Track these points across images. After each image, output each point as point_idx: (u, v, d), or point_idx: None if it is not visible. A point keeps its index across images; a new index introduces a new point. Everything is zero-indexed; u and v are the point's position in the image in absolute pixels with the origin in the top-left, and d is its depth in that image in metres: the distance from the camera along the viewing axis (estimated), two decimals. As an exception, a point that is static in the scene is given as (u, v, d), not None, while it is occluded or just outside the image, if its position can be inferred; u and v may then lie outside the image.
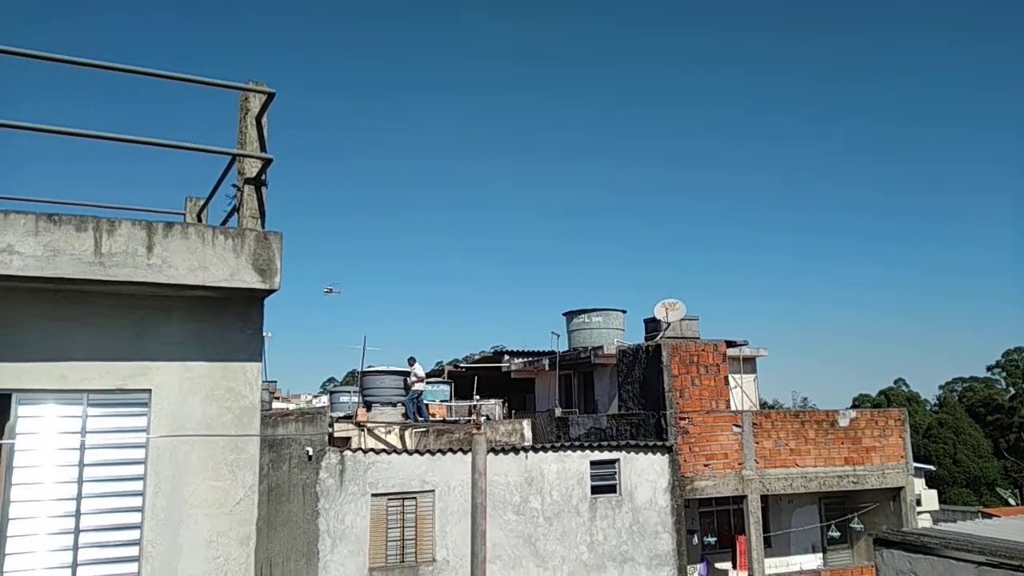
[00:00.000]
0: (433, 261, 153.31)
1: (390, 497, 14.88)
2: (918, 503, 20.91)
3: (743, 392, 22.22)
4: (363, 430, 19.95)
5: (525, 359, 26.55)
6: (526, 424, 22.15)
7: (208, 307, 5.14)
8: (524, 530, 15.65)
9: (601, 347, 21.50)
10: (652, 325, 21.41)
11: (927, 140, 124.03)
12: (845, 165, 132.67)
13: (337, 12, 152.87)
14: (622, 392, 19.40)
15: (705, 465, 17.53)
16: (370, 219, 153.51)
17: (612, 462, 16.73)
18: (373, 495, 14.69)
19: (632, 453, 16.86)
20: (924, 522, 20.71)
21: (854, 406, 57.22)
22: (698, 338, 20.26)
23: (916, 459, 22.28)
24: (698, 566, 18.53)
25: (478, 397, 24.73)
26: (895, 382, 70.50)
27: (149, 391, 4.94)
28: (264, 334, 5.47)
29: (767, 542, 19.04)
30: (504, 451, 15.91)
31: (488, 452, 14.46)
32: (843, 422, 19.19)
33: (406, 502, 15.01)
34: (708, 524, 19.46)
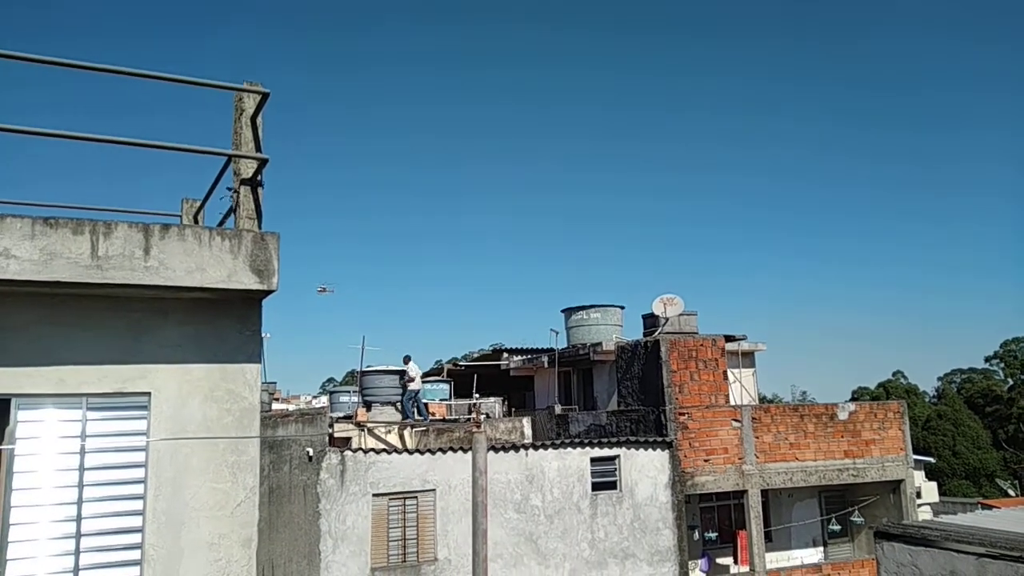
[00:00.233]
0: (431, 261, 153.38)
1: (391, 497, 14.88)
2: (918, 495, 20.92)
3: (742, 387, 22.23)
4: (363, 430, 19.94)
5: (524, 357, 26.55)
6: (526, 422, 22.15)
7: (206, 309, 5.13)
8: (525, 528, 15.65)
9: (600, 344, 21.49)
10: (650, 321, 21.40)
11: (923, 141, 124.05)
12: (841, 166, 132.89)
13: (336, 16, 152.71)
14: (621, 388, 19.41)
15: (705, 460, 17.54)
16: (369, 222, 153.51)
17: (612, 458, 16.74)
18: (374, 495, 14.69)
19: (632, 449, 16.87)
20: (924, 514, 20.73)
21: (853, 399, 57.34)
22: (696, 333, 20.26)
23: (915, 451, 22.28)
24: (699, 561, 18.55)
25: (477, 395, 24.71)
26: (893, 374, 70.56)
27: (148, 394, 4.93)
28: (263, 335, 5.46)
29: (768, 536, 19.06)
30: (504, 449, 15.91)
31: (488, 450, 14.47)
32: (842, 415, 19.21)
33: (407, 502, 15.01)
34: (709, 519, 19.47)
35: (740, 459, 17.84)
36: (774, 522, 19.90)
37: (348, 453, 14.75)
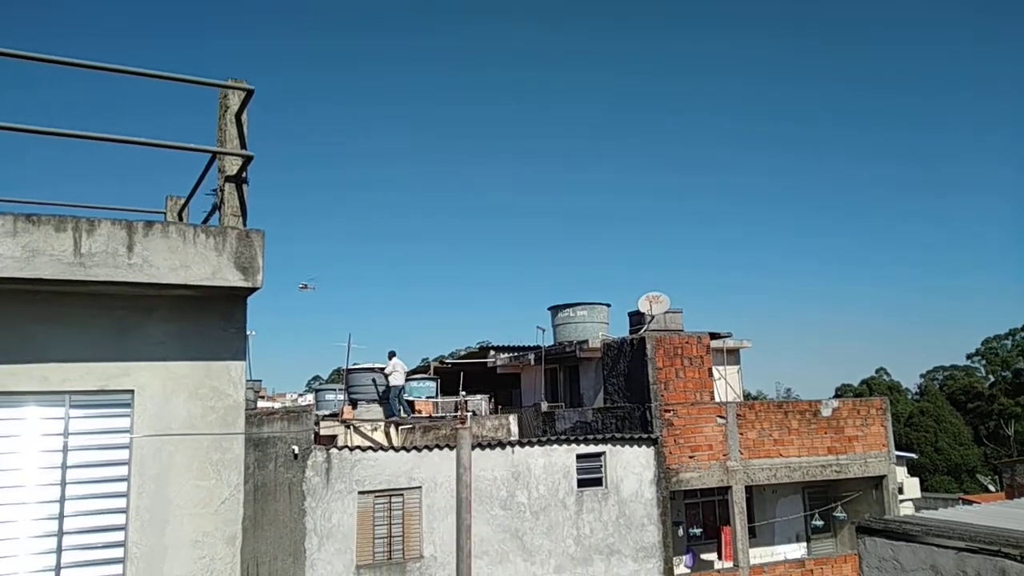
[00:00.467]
0: (419, 259, 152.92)
1: (377, 494, 14.87)
2: (900, 491, 21.19)
3: (727, 384, 22.36)
4: (349, 428, 19.91)
5: (511, 354, 26.56)
6: (512, 419, 22.18)
7: (190, 306, 5.11)
8: (511, 524, 15.69)
9: (586, 341, 21.54)
10: (636, 318, 21.50)
11: (923, 141, 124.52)
12: (841, 166, 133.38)
13: (336, 16, 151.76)
14: (607, 385, 19.48)
15: (690, 457, 17.64)
16: (358, 221, 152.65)
17: (598, 455, 16.80)
18: (360, 493, 14.67)
19: (618, 446, 16.94)
20: (906, 510, 20.97)
21: (837, 396, 57.77)
22: (682, 331, 20.36)
23: (898, 447, 22.52)
24: (684, 557, 18.66)
25: (464, 393, 24.69)
26: (877, 372, 71.13)
27: (132, 391, 4.91)
28: (248, 332, 5.45)
29: (752, 532, 19.20)
30: (490, 446, 15.93)
31: (474, 447, 14.49)
32: (826, 412, 19.37)
33: (393, 499, 15.01)
34: (693, 515, 19.59)
35: (725, 455, 17.96)
36: (758, 518, 20.04)
37: (334, 451, 14.72)
